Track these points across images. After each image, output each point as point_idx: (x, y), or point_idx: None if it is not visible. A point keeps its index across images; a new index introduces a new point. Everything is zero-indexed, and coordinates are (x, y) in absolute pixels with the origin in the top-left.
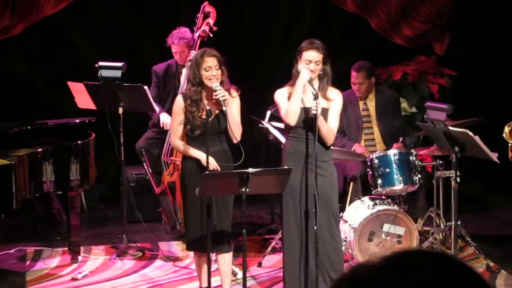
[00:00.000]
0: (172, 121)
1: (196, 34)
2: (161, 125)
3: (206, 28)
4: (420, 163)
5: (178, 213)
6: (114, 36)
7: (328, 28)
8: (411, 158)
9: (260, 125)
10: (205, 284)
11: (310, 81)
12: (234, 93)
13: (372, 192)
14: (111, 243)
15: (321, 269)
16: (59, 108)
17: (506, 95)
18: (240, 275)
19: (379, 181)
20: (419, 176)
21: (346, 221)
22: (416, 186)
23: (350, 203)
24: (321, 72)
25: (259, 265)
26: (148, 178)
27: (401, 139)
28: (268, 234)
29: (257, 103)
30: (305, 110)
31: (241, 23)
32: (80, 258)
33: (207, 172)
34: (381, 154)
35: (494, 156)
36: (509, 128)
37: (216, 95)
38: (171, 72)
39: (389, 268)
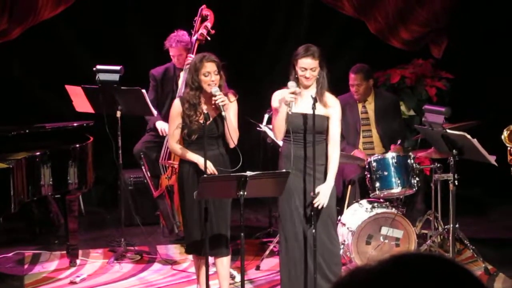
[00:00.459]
0: (169, 124)
1: (194, 37)
2: (160, 132)
3: (204, 32)
4: (418, 166)
5: (176, 216)
6: (112, 39)
7: (326, 31)
8: (409, 161)
9: (258, 128)
10: (204, 287)
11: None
12: (232, 98)
13: (370, 195)
14: (109, 246)
15: (320, 272)
16: (57, 111)
17: (503, 98)
18: (238, 278)
19: (377, 184)
20: (417, 179)
21: (344, 224)
22: (414, 189)
23: (348, 206)
24: (318, 76)
25: (257, 268)
26: (146, 181)
27: (399, 141)
28: (266, 237)
29: (254, 106)
30: (303, 116)
31: (238, 26)
32: (78, 261)
33: (205, 175)
34: (379, 157)
35: (492, 159)
36: (508, 132)
37: (215, 100)
38: (169, 76)
39: (387, 271)
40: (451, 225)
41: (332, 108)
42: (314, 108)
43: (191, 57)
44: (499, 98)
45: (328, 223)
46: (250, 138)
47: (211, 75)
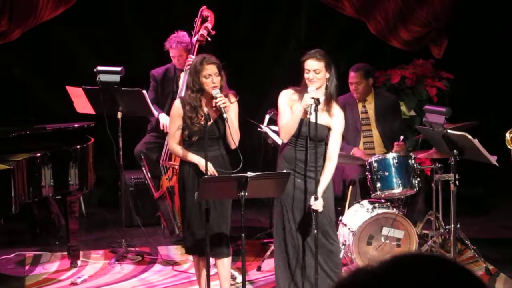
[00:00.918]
0: (170, 125)
1: (194, 38)
2: (161, 127)
3: (204, 32)
4: (419, 166)
5: (177, 217)
6: (113, 40)
7: (326, 32)
8: (410, 161)
9: (258, 129)
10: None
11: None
12: (233, 99)
13: (371, 196)
14: (110, 247)
15: (319, 274)
16: (57, 112)
17: (504, 98)
18: (239, 279)
19: (378, 185)
20: (418, 179)
21: (345, 225)
22: (415, 190)
23: (349, 206)
24: (327, 83)
25: (258, 269)
26: (147, 182)
27: (402, 137)
28: (267, 238)
29: (255, 107)
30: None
31: (238, 27)
32: (79, 262)
33: (205, 176)
34: (380, 157)
35: (493, 159)
36: (511, 134)
37: (216, 102)
38: (169, 76)
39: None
40: (452, 225)
41: (335, 119)
42: (316, 110)
43: (192, 58)
44: (499, 98)
45: (325, 222)
46: (250, 139)
47: (212, 77)
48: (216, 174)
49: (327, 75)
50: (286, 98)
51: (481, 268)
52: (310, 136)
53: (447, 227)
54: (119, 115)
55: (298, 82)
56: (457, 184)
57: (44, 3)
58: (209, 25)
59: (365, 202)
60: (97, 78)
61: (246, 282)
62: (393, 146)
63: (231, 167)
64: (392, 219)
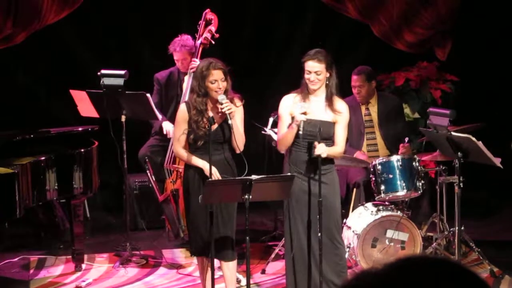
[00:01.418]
0: (175, 129)
1: (198, 42)
2: (165, 133)
3: (208, 36)
4: (423, 168)
5: (181, 220)
6: (117, 44)
7: (330, 34)
8: (414, 164)
9: (262, 132)
10: None
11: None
12: (238, 102)
13: (375, 198)
14: (115, 251)
15: (324, 277)
16: (61, 116)
17: (508, 100)
18: (244, 282)
19: (382, 187)
20: (422, 182)
21: (349, 228)
22: (419, 192)
23: (353, 209)
24: (327, 82)
25: (263, 272)
26: (151, 185)
27: (407, 139)
28: (272, 240)
29: (259, 110)
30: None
31: (242, 29)
32: (83, 266)
33: (209, 179)
34: (384, 160)
35: (497, 161)
36: None
37: (222, 108)
38: (173, 80)
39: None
40: (457, 228)
41: (340, 114)
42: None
43: (196, 61)
44: (504, 100)
45: (332, 227)
46: (255, 142)
47: (218, 82)
48: (220, 178)
49: (328, 75)
50: (287, 104)
51: (485, 270)
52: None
53: (451, 229)
54: (123, 118)
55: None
56: (462, 186)
57: (48, 7)
58: (212, 28)
59: (369, 205)
60: (101, 81)
61: (251, 285)
62: (397, 148)
63: (236, 171)
64: (396, 221)
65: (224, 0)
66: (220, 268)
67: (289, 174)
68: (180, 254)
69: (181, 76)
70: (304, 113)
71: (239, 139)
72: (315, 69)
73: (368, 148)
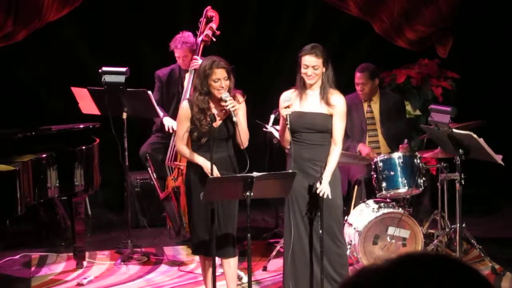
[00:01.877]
0: (177, 127)
1: (199, 39)
2: (166, 129)
3: (209, 33)
4: (424, 166)
5: (182, 217)
6: (117, 41)
7: (331, 32)
8: (415, 161)
9: (264, 129)
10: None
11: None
12: (241, 99)
13: (377, 195)
14: (116, 248)
15: (325, 274)
16: (63, 113)
17: (509, 97)
18: (245, 279)
19: (384, 184)
20: (423, 179)
21: (351, 225)
22: (420, 189)
23: (354, 206)
24: (323, 77)
25: (264, 269)
26: (153, 183)
27: (406, 140)
28: (273, 238)
29: (260, 107)
30: (307, 115)
31: (244, 27)
32: (85, 263)
33: (211, 176)
34: (385, 157)
35: (498, 158)
36: None
37: (226, 106)
38: (175, 77)
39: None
40: (458, 225)
41: (336, 106)
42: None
43: (197, 59)
44: (505, 97)
45: (333, 224)
46: (256, 139)
47: (221, 81)
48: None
49: (324, 69)
50: (286, 98)
51: (487, 268)
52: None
53: (452, 226)
54: (124, 115)
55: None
56: (463, 183)
57: (49, 4)
58: (213, 25)
59: (370, 202)
60: (102, 79)
61: (252, 282)
62: (398, 148)
63: (238, 168)
64: (397, 218)
65: None
66: (221, 265)
67: (290, 171)
68: (181, 252)
69: (182, 74)
70: (288, 107)
71: (244, 135)
72: (312, 64)
73: (370, 145)
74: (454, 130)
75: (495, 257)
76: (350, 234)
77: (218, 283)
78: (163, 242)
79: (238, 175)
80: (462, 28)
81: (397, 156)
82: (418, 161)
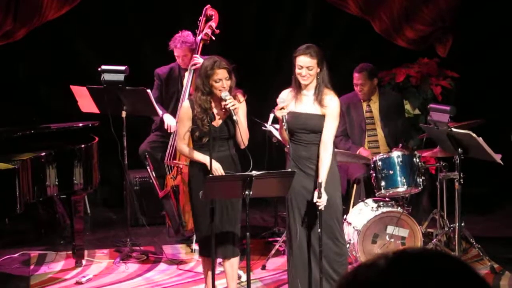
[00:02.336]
0: (179, 127)
1: (199, 38)
2: (166, 127)
3: (209, 31)
4: (423, 165)
5: (181, 216)
6: (117, 39)
7: (331, 30)
8: (414, 160)
9: (263, 127)
10: (210, 287)
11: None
12: (241, 98)
13: (376, 194)
14: (115, 246)
15: (324, 273)
16: (62, 112)
17: (509, 97)
18: (244, 278)
19: (383, 183)
20: (422, 178)
21: (350, 224)
22: (419, 188)
23: (353, 205)
24: (318, 77)
25: (263, 268)
26: (152, 181)
27: (400, 145)
28: (272, 236)
29: (260, 105)
30: (302, 116)
31: (243, 25)
32: (84, 262)
33: (210, 175)
34: (384, 156)
35: (497, 157)
36: None
37: (226, 105)
38: (174, 76)
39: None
40: (457, 224)
41: (327, 107)
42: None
43: (197, 57)
44: (504, 96)
45: (331, 223)
46: (255, 138)
47: (222, 81)
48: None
49: (318, 70)
50: (283, 97)
51: (486, 267)
52: (305, 128)
53: (451, 225)
54: (124, 114)
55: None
56: (462, 182)
57: (48, 3)
58: (213, 24)
59: (369, 201)
60: (102, 77)
61: (251, 281)
62: (397, 146)
63: (241, 167)
64: (396, 217)
65: None
66: (221, 264)
67: (289, 170)
68: (180, 250)
69: (181, 72)
70: (282, 108)
71: (244, 134)
72: (306, 64)
73: (369, 145)
74: (453, 129)
75: (494, 256)
76: (349, 233)
77: (217, 282)
78: (162, 241)
79: (237, 174)
80: (462, 27)
81: (396, 155)
82: (417, 160)
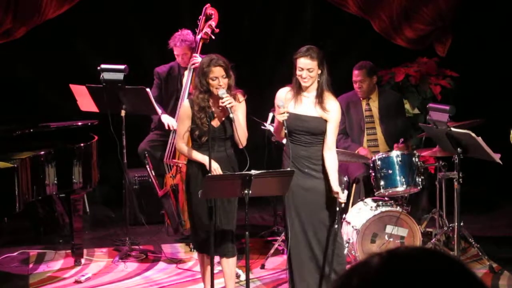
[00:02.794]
0: (178, 126)
1: (198, 36)
2: (166, 127)
3: (208, 30)
4: (422, 164)
5: (180, 215)
6: (116, 38)
7: (330, 30)
8: (413, 159)
9: (262, 127)
10: (208, 286)
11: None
12: (241, 98)
13: (375, 194)
14: (114, 245)
15: (323, 272)
16: (61, 111)
17: (508, 96)
18: (243, 277)
19: (382, 183)
20: (422, 177)
21: (349, 223)
22: (418, 188)
23: (352, 204)
24: (318, 79)
25: (262, 267)
26: (151, 180)
27: (401, 140)
28: (271, 236)
29: (259, 105)
30: (302, 118)
31: (242, 24)
32: (83, 260)
33: (209, 174)
34: (383, 155)
35: (496, 157)
36: None
37: (222, 102)
38: (173, 75)
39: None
40: (456, 223)
41: (330, 113)
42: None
43: (196, 57)
44: (503, 96)
45: (330, 223)
46: (254, 137)
47: (218, 79)
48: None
49: (319, 72)
50: (279, 97)
51: (484, 266)
52: (305, 130)
53: (450, 225)
54: (123, 113)
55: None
56: (461, 182)
57: (48, 1)
58: (213, 23)
59: (368, 200)
60: (101, 76)
61: (250, 280)
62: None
63: (238, 166)
64: (395, 217)
65: None
66: (219, 263)
67: (288, 169)
68: (179, 249)
69: (181, 71)
70: (284, 113)
71: (241, 134)
72: (307, 66)
73: (369, 144)
74: (453, 129)
75: (493, 256)
76: (348, 232)
77: (216, 281)
78: (161, 240)
79: (236, 173)
80: (461, 27)
81: (395, 154)
82: (417, 159)
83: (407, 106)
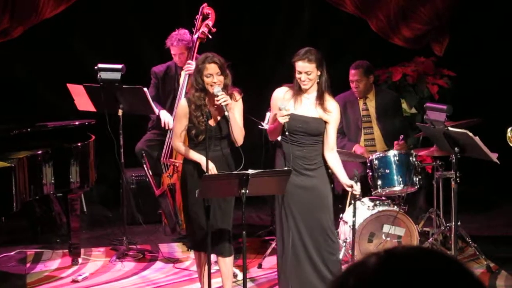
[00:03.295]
0: (175, 125)
1: (195, 36)
2: (162, 124)
3: (205, 30)
4: (420, 164)
5: (178, 215)
6: (114, 38)
7: (327, 29)
8: (411, 159)
9: (259, 126)
10: (206, 286)
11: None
12: (237, 96)
13: (372, 193)
14: (111, 245)
15: (318, 272)
16: (59, 110)
17: (505, 96)
18: (240, 276)
19: (379, 182)
20: (419, 177)
21: (346, 222)
22: (416, 187)
23: (349, 204)
24: (318, 80)
25: (259, 266)
26: (148, 180)
27: (401, 136)
28: (268, 235)
29: (256, 104)
30: (301, 119)
31: (240, 24)
32: (80, 260)
33: (206, 174)
34: (380, 155)
35: (494, 156)
36: None
37: (217, 100)
38: (171, 74)
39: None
40: (453, 223)
41: (331, 114)
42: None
43: (191, 63)
44: (500, 95)
45: (324, 222)
46: (251, 137)
47: (213, 76)
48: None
49: (318, 73)
50: (277, 97)
51: (482, 266)
52: (305, 131)
53: (448, 224)
54: (120, 112)
55: None
56: (458, 181)
57: (45, 1)
58: (209, 22)
59: (366, 200)
60: (98, 75)
61: (247, 280)
62: (393, 145)
63: (235, 166)
64: (393, 216)
65: None
66: (216, 262)
67: (285, 168)
68: (176, 249)
69: (178, 71)
70: (286, 115)
71: (237, 132)
72: (305, 70)
73: (366, 143)
74: (450, 128)
75: (490, 256)
76: (345, 231)
77: (213, 280)
78: (159, 239)
79: (233, 172)
80: (458, 26)
81: (392, 154)
82: (414, 159)
83: (404, 105)
